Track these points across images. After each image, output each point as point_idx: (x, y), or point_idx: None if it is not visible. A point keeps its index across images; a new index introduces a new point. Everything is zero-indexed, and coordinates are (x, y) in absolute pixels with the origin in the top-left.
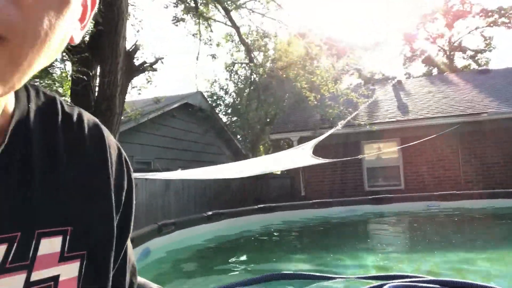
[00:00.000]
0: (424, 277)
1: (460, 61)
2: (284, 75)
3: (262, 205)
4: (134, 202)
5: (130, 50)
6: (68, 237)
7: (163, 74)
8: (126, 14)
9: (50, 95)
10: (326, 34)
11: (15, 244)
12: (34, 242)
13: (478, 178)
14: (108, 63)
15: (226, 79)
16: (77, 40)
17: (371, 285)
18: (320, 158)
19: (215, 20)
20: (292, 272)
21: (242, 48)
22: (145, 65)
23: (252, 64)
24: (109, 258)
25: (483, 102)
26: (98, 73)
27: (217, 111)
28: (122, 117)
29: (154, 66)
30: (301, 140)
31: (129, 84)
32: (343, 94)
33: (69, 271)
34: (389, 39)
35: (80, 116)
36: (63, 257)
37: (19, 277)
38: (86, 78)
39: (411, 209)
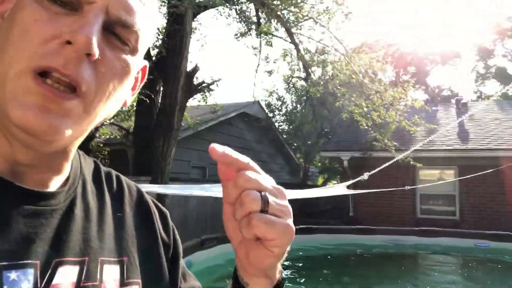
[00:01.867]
0: None
1: None
2: (339, 94)
3: (303, 226)
4: (179, 242)
5: (191, 70)
6: (125, 266)
7: (223, 84)
8: (189, 38)
9: (91, 158)
10: (393, 47)
11: (85, 267)
12: (99, 267)
13: None
14: (170, 83)
15: (285, 88)
16: (128, 104)
17: None
18: (357, 189)
19: (275, 36)
20: None
21: (300, 64)
22: (203, 85)
23: (309, 82)
24: (162, 286)
25: None
26: (160, 91)
27: (273, 120)
28: (182, 124)
29: (210, 87)
30: (352, 160)
31: (187, 101)
32: (395, 121)
33: None
34: (462, 53)
35: (117, 175)
36: (123, 283)
37: None
38: (148, 101)
39: (458, 245)
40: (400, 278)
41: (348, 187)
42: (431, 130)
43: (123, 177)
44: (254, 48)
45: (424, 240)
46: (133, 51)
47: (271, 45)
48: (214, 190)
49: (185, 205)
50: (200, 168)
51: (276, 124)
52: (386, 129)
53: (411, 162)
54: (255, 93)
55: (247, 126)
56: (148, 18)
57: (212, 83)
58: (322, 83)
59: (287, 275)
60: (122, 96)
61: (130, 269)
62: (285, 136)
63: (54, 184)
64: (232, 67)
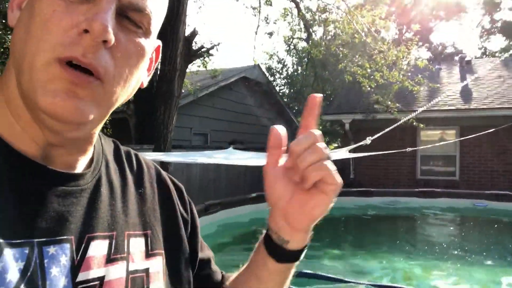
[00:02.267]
0: None
1: None
2: (341, 54)
3: None
4: (196, 214)
5: (189, 35)
6: (149, 239)
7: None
8: (187, 0)
9: (111, 138)
10: (395, 2)
11: (113, 240)
12: (125, 240)
13: None
14: (169, 49)
15: (285, 50)
16: (145, 84)
17: None
18: (359, 152)
19: None
20: (309, 272)
21: (301, 23)
22: (202, 50)
23: (310, 43)
24: (182, 257)
25: None
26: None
27: (274, 84)
28: (182, 91)
29: (210, 52)
30: (353, 123)
31: (187, 67)
32: (397, 81)
33: (155, 265)
34: (467, 7)
35: (137, 154)
36: (148, 254)
37: (122, 265)
38: None
39: (457, 205)
40: (399, 239)
41: (350, 151)
42: (434, 90)
43: (141, 156)
44: (254, 8)
45: (424, 201)
46: (146, 33)
47: (270, 4)
48: (216, 157)
49: (188, 171)
50: (201, 134)
51: (277, 87)
52: (389, 89)
53: (414, 123)
54: (255, 56)
55: (247, 90)
56: (157, 1)
57: (212, 48)
58: (324, 43)
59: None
60: (139, 77)
61: (153, 241)
62: (286, 100)
63: (80, 165)
64: (231, 30)
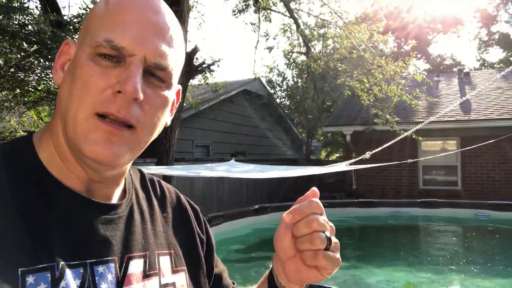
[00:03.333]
0: None
1: None
2: (340, 69)
3: None
4: (211, 233)
5: (190, 51)
6: (172, 257)
7: (223, 62)
8: (188, 17)
9: (137, 168)
10: (393, 16)
11: (147, 259)
12: (156, 259)
13: None
14: None
15: (285, 64)
16: (169, 123)
17: None
18: (358, 165)
19: (274, 11)
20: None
21: (300, 39)
22: (203, 66)
23: (309, 57)
24: (201, 273)
25: None
26: None
27: (274, 96)
28: (184, 104)
29: (211, 67)
30: (354, 134)
31: (188, 82)
32: (396, 95)
33: (180, 280)
34: (464, 20)
35: (159, 181)
36: (174, 270)
37: (155, 280)
38: None
39: (459, 215)
40: (402, 250)
41: (351, 164)
42: (434, 102)
43: (163, 182)
44: (253, 24)
45: (426, 211)
46: (169, 86)
47: (269, 21)
48: (219, 170)
49: (190, 184)
50: (204, 146)
51: (278, 100)
52: (388, 103)
53: (413, 136)
54: (255, 70)
55: (248, 103)
56: (178, 56)
57: (213, 64)
58: (323, 57)
59: None
60: (164, 121)
61: (177, 259)
62: (286, 111)
63: (115, 196)
64: (232, 45)
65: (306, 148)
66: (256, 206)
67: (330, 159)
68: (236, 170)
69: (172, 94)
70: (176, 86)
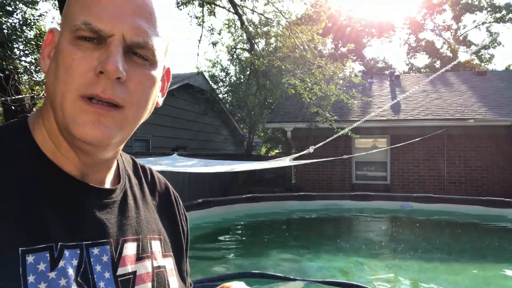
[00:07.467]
0: None
1: (463, 55)
2: (284, 67)
3: (250, 195)
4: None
5: None
6: (162, 242)
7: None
8: None
9: (128, 155)
10: (332, 18)
11: (140, 243)
12: (148, 243)
13: (461, 180)
14: None
15: (228, 59)
16: (160, 103)
17: None
18: (300, 160)
19: (218, 6)
20: (257, 271)
21: (244, 35)
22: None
23: (252, 54)
24: (184, 260)
25: (473, 106)
26: None
27: (217, 92)
28: None
29: None
30: (295, 131)
31: None
32: (334, 94)
33: (169, 263)
34: (396, 26)
35: (150, 169)
36: (163, 254)
37: (148, 263)
38: None
39: (386, 207)
40: (338, 238)
41: (294, 159)
42: (367, 101)
43: (154, 171)
44: (197, 18)
45: (358, 203)
46: (153, 64)
47: (214, 15)
48: (162, 164)
49: None
50: (143, 140)
51: (220, 95)
52: (327, 101)
53: (349, 134)
54: (198, 64)
55: (191, 97)
56: (157, 33)
57: None
58: (266, 55)
59: None
60: (154, 100)
61: (165, 245)
62: (228, 107)
63: (108, 181)
64: (174, 37)
65: (247, 143)
66: (200, 200)
67: (269, 154)
68: (179, 164)
69: (158, 72)
70: (163, 65)
